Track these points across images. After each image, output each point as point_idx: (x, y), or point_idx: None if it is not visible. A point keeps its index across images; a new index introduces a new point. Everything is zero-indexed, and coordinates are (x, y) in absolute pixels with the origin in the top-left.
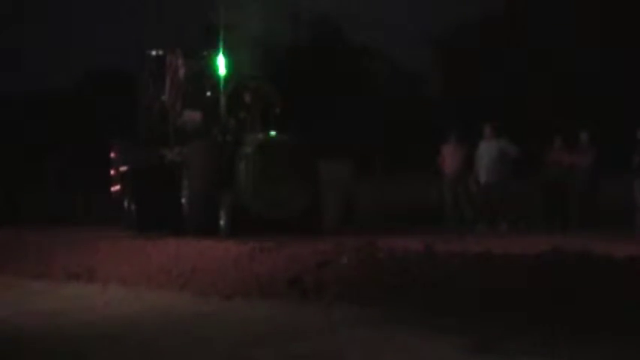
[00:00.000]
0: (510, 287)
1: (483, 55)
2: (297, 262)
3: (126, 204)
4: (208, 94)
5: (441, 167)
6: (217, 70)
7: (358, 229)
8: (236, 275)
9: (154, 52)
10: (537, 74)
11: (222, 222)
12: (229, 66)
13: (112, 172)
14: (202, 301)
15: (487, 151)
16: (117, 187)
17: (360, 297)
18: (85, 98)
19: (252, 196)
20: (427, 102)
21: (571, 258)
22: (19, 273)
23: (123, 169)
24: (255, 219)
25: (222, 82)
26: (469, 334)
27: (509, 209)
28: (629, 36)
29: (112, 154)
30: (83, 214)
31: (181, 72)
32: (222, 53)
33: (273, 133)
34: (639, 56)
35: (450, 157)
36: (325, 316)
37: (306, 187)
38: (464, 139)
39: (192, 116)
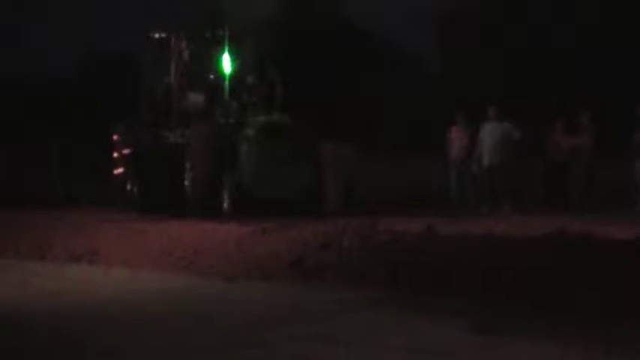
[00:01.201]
0: (513, 269)
1: (483, 34)
2: (300, 244)
3: (129, 186)
4: (211, 76)
5: (448, 149)
6: (220, 52)
7: (360, 211)
8: (238, 257)
9: (157, 35)
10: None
11: (224, 204)
12: (232, 48)
13: (115, 154)
14: (204, 283)
15: (490, 133)
16: (120, 170)
17: (362, 279)
18: (86, 81)
19: (254, 177)
20: (426, 81)
21: (574, 240)
22: (20, 254)
23: (126, 151)
24: (257, 201)
25: (224, 64)
26: (471, 316)
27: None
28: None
29: (115, 137)
30: (85, 197)
31: (185, 54)
32: (226, 36)
33: (275, 115)
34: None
35: (456, 139)
36: (327, 297)
37: (309, 168)
38: (471, 122)
39: (195, 98)
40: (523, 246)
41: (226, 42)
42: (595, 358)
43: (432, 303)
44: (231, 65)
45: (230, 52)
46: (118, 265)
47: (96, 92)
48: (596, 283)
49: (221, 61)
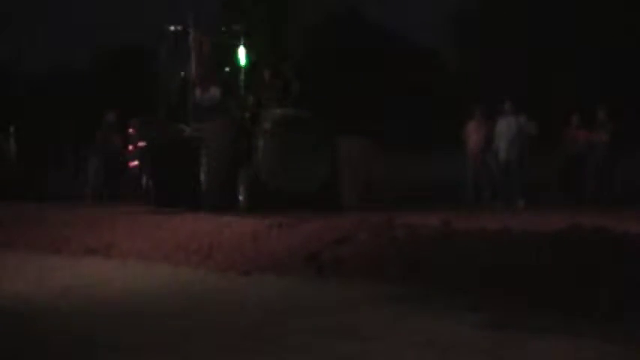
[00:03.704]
0: (528, 264)
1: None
2: (315, 239)
3: (144, 180)
4: (227, 70)
5: (465, 143)
6: (236, 46)
7: (377, 206)
8: (254, 251)
9: (172, 28)
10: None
11: (240, 198)
12: (248, 43)
13: (131, 147)
14: (220, 278)
15: (506, 127)
16: (135, 163)
17: (377, 274)
18: (101, 75)
19: (270, 172)
20: (443, 78)
21: (589, 235)
22: (36, 248)
23: (141, 144)
24: (273, 195)
25: (240, 57)
26: (486, 312)
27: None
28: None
29: (131, 130)
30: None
31: (201, 48)
32: (241, 29)
33: (291, 109)
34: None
35: (474, 133)
36: (343, 292)
37: (325, 162)
38: (488, 116)
39: (211, 92)
40: (538, 241)
41: (242, 35)
42: (610, 355)
43: (447, 298)
44: (246, 58)
45: (245, 46)
46: (133, 258)
47: (111, 85)
48: (612, 279)
49: (237, 54)
